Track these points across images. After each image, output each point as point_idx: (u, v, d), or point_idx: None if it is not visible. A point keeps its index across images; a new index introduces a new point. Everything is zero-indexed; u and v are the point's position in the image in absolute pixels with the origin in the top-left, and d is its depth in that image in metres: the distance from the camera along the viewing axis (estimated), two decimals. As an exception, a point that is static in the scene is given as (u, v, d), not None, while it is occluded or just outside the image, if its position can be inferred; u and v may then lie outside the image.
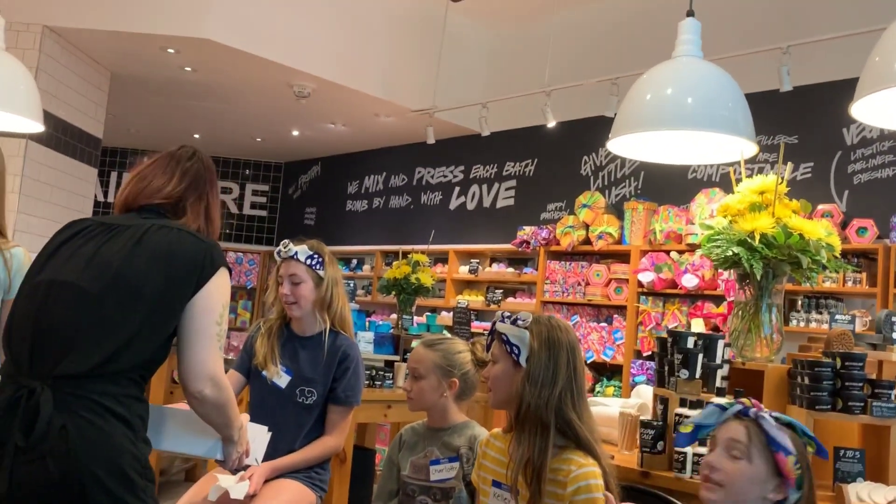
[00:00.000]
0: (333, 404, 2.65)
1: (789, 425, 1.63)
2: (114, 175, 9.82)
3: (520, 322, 1.91)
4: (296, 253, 2.67)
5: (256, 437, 2.07)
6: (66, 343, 1.61)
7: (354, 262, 8.62)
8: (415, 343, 5.00)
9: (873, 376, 2.33)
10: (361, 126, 7.82)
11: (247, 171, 9.97)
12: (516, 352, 1.88)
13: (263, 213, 9.98)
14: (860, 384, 2.10)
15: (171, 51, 5.99)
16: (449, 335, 2.55)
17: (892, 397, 2.09)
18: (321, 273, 2.66)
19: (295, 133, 8.41)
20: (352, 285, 6.07)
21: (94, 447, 1.56)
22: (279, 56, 6.00)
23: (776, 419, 1.63)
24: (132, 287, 1.66)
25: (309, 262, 2.66)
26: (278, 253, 2.69)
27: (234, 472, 2.05)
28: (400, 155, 8.43)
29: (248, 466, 2.28)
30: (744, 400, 1.66)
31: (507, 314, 1.95)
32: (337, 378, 2.65)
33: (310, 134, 8.38)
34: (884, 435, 2.11)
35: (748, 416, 1.62)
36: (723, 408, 1.66)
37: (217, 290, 1.74)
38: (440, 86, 6.79)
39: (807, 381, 2.14)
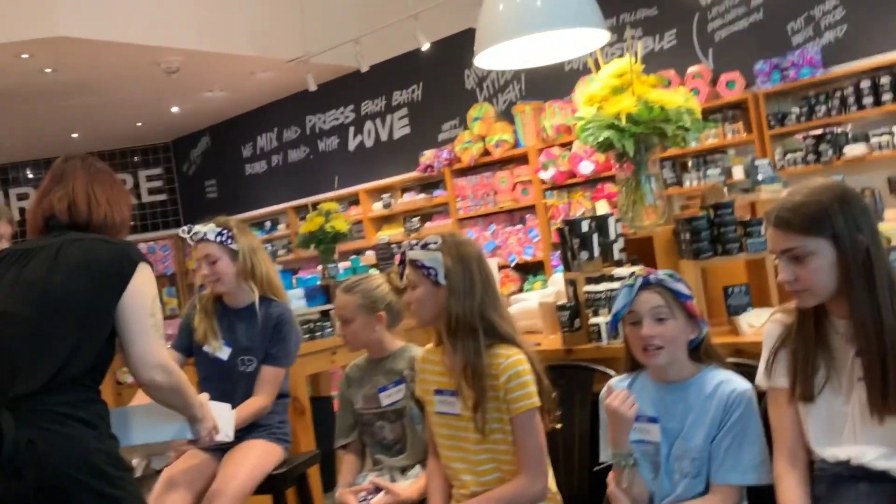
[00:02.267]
0: (264, 364, 2.74)
1: (671, 276, 1.89)
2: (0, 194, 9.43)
3: (431, 246, 2.07)
4: (204, 234, 2.74)
5: (222, 414, 2.17)
6: (12, 369, 1.69)
7: (268, 224, 8.61)
8: (343, 288, 5.15)
9: (748, 218, 2.60)
10: (240, 87, 7.70)
11: (136, 158, 9.71)
12: (433, 273, 2.04)
13: (163, 196, 9.78)
14: (733, 227, 2.36)
15: (25, 56, 5.75)
16: (365, 273, 2.68)
17: (762, 231, 2.35)
18: (234, 246, 2.74)
19: (175, 109, 8.22)
20: (271, 247, 6.14)
21: (64, 452, 1.67)
22: (138, 37, 5.83)
23: (668, 276, 1.89)
24: (60, 301, 1.75)
25: (219, 238, 2.73)
26: (191, 238, 2.76)
27: (209, 448, 2.14)
28: (287, 107, 8.36)
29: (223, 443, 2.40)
30: (637, 271, 1.90)
31: (413, 242, 2.10)
32: (269, 341, 2.75)
33: (190, 107, 8.20)
34: (761, 266, 2.39)
35: (651, 283, 1.86)
36: (630, 286, 1.89)
37: (142, 286, 1.83)
38: (309, 30, 6.73)
39: (689, 235, 2.38)
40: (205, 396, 2.09)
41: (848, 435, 1.62)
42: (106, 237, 1.90)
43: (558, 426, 2.07)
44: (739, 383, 1.84)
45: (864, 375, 1.58)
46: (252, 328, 2.76)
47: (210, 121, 9.03)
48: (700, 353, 1.90)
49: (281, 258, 7.98)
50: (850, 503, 1.58)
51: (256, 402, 2.71)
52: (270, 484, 2.65)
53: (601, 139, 2.57)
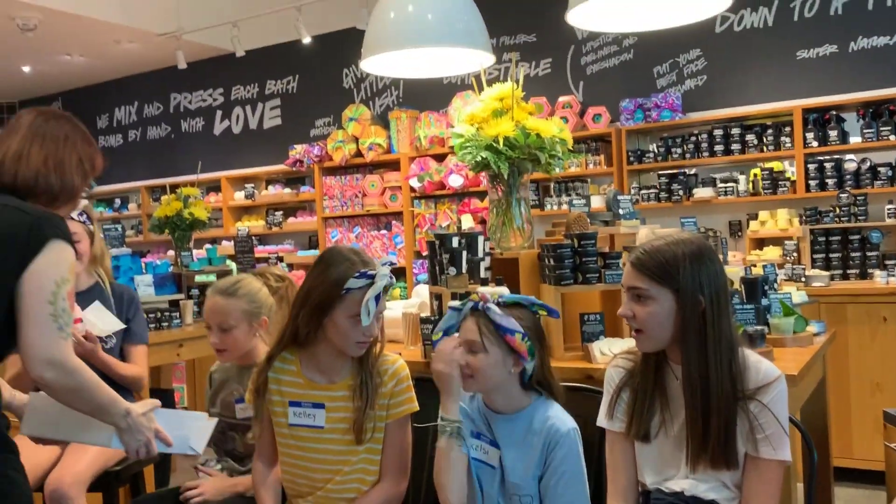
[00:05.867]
0: (131, 344, 2.76)
1: (517, 304, 1.90)
2: None
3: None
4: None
5: (191, 424, 1.92)
6: None
7: (118, 201, 8.14)
8: (199, 279, 4.94)
9: (607, 249, 2.73)
10: (102, 55, 7.24)
11: (-26, 116, 8.91)
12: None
13: (3, 160, 9.01)
14: (594, 258, 2.47)
15: None
16: (237, 275, 2.49)
17: (621, 264, 2.47)
18: (91, 227, 2.65)
19: (26, 69, 7.61)
20: (120, 226, 5.77)
21: None
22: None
23: (504, 303, 1.88)
24: None
25: (80, 217, 2.66)
26: None
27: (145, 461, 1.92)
28: (151, 82, 7.94)
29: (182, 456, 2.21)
30: (473, 297, 1.91)
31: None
32: (129, 319, 2.77)
33: (44, 68, 7.62)
34: (616, 297, 2.50)
35: (479, 309, 1.86)
36: (458, 309, 1.90)
37: (47, 267, 1.59)
38: (184, 6, 6.44)
39: (552, 261, 2.47)
40: (147, 404, 1.81)
41: (682, 472, 1.72)
42: (25, 205, 1.65)
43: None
44: (564, 422, 1.85)
45: (686, 429, 1.67)
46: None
47: (65, 85, 8.43)
48: (532, 383, 1.90)
49: (130, 239, 7.56)
50: (682, 529, 1.69)
51: (136, 370, 2.76)
52: (103, 481, 2.49)
53: (479, 159, 2.62)
